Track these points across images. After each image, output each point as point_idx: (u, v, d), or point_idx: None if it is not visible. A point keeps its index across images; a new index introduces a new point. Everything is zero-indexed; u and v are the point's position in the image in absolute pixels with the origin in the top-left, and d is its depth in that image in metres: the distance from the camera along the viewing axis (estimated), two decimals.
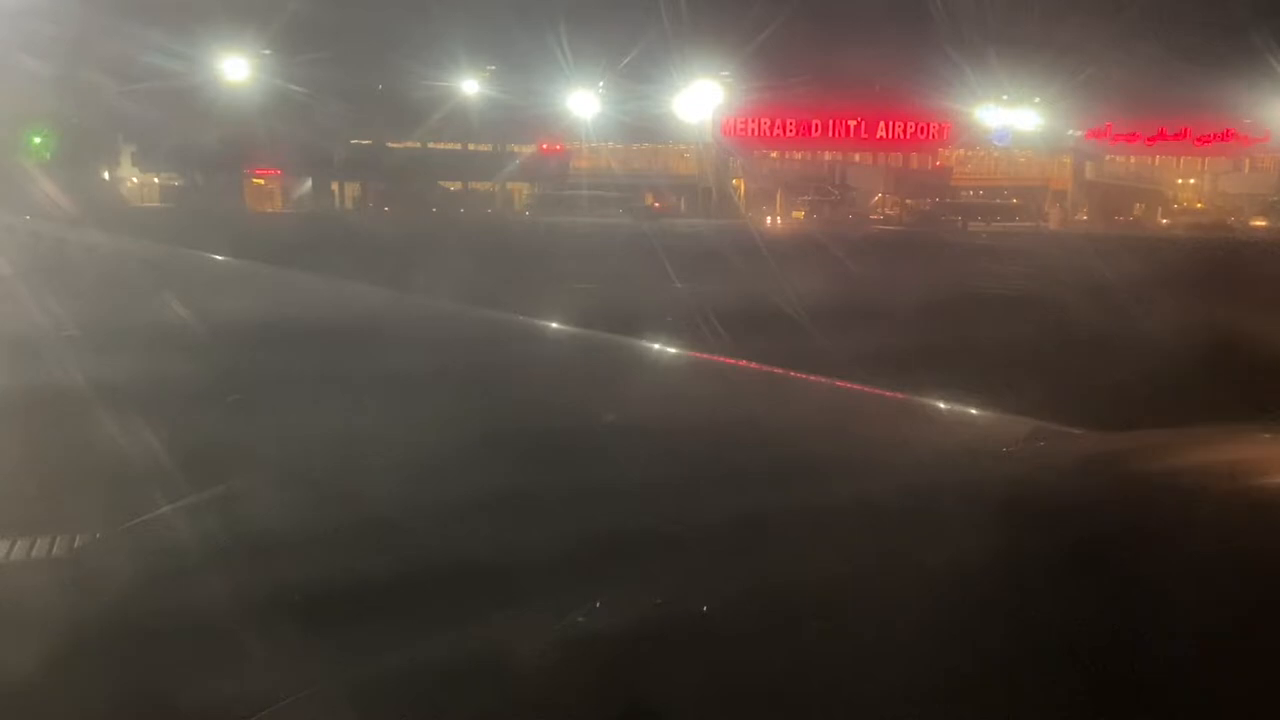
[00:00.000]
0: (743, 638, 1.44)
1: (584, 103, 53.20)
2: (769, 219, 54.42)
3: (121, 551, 2.25)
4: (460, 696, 1.45)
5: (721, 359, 4.31)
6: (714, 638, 1.44)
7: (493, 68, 51.60)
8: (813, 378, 3.60)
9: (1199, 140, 58.82)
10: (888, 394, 3.37)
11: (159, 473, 2.61)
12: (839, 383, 3.56)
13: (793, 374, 3.65)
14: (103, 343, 4.01)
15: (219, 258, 9.54)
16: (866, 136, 58.25)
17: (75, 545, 2.31)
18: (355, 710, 1.49)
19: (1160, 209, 60.61)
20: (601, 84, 53.05)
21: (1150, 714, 1.21)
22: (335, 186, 55.22)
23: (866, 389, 3.45)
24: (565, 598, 1.68)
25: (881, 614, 1.45)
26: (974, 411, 3.13)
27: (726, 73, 54.35)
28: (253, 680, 1.59)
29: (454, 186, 57.46)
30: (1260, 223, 54.76)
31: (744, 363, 4.01)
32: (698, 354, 4.59)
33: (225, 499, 2.39)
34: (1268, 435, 2.31)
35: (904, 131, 58.35)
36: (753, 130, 57.39)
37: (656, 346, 4.89)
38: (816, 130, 57.84)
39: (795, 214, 55.85)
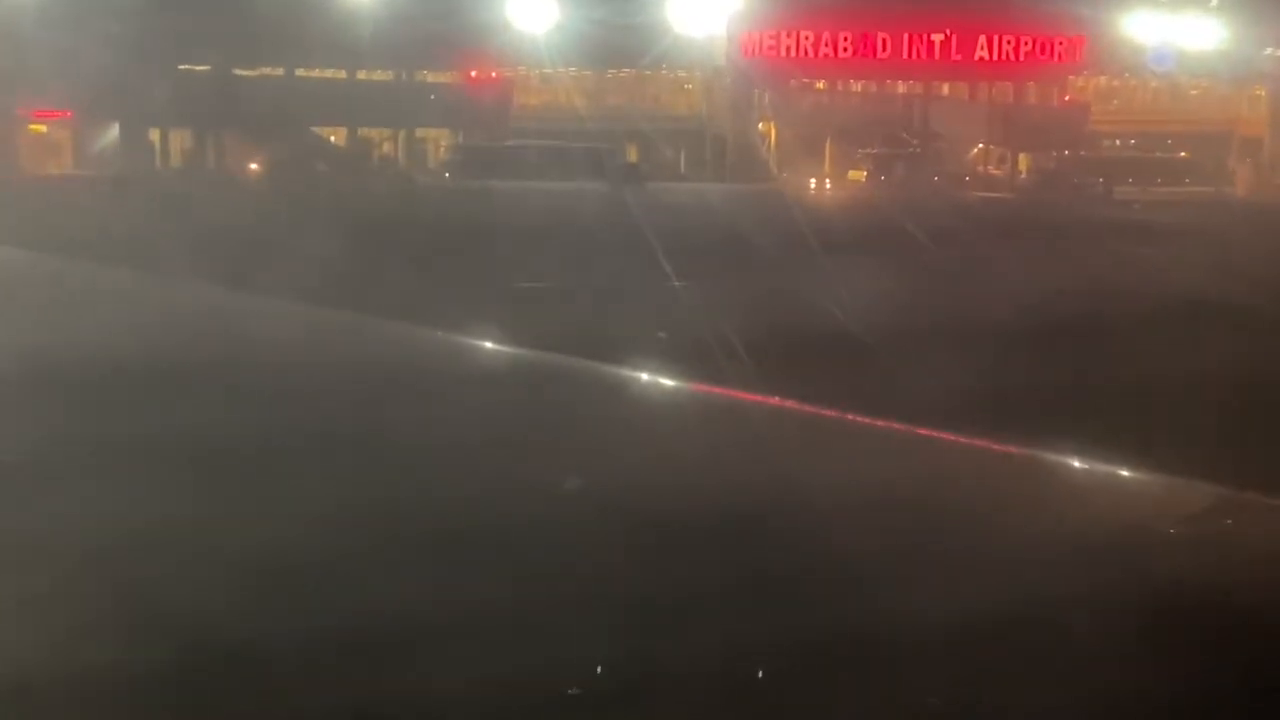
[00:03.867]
0: None
1: (534, 9, 53.41)
2: (813, 182, 54.57)
3: None
4: None
5: (757, 398, 4.34)
6: None
7: None
8: (891, 426, 3.67)
9: None
10: (999, 448, 3.44)
11: None
12: (925, 431, 3.62)
13: (862, 420, 3.71)
14: None
15: None
16: (960, 59, 58.45)
17: None
18: None
19: None
20: None
21: None
22: (155, 136, 55.11)
23: (971, 442, 3.52)
24: None
25: None
26: (1125, 474, 3.19)
27: None
28: None
29: (335, 136, 57.45)
30: None
31: (791, 404, 4.06)
32: (719, 390, 4.64)
33: None
34: None
35: (1016, 51, 58.64)
36: (789, 50, 57.58)
37: (653, 379, 4.94)
38: (885, 49, 58.04)
39: (853, 175, 56.03)
